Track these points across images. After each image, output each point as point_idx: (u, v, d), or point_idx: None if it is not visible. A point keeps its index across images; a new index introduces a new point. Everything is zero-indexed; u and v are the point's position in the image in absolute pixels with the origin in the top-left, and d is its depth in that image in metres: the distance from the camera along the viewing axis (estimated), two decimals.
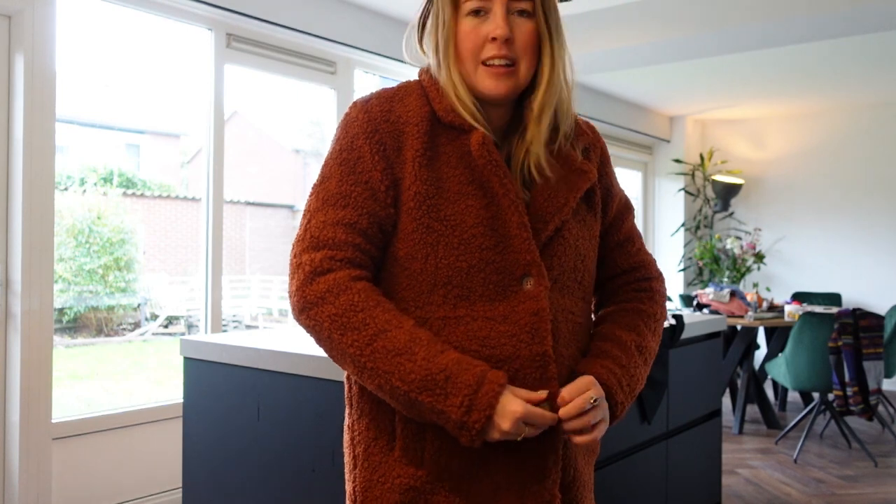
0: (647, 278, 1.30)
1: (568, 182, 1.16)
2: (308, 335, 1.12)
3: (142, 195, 12.58)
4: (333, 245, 1.09)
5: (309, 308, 1.08)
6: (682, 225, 7.28)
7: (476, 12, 1.12)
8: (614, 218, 1.28)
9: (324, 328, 1.07)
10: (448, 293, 1.09)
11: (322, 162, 1.18)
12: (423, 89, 1.17)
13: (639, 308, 1.25)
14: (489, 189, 1.10)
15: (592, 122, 1.33)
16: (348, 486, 1.19)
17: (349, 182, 1.11)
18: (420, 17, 1.20)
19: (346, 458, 1.20)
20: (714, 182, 7.11)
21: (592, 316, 1.27)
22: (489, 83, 1.12)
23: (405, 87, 1.18)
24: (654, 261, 1.34)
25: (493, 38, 1.10)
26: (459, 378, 1.02)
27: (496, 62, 1.11)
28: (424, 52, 1.19)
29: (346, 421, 1.21)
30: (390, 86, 1.21)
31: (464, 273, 1.08)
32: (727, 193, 7.10)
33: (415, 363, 1.02)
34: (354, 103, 1.17)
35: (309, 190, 1.17)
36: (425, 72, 1.19)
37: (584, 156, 1.22)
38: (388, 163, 1.11)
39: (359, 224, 1.10)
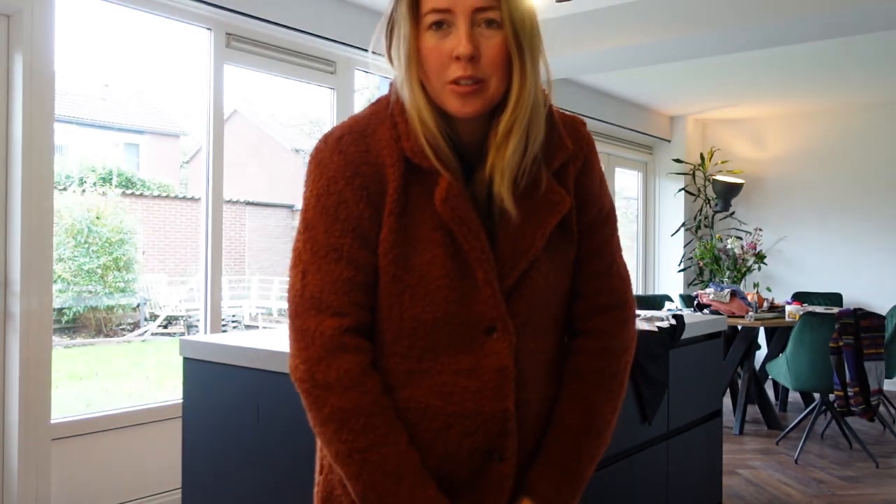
0: (605, 308, 1.17)
1: (536, 216, 1.07)
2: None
3: (141, 195, 12.59)
4: (338, 311, 1.04)
5: (314, 389, 1.05)
6: (683, 225, 7.28)
7: (438, 25, 1.02)
8: (585, 229, 1.16)
9: (322, 413, 1.04)
10: (412, 344, 1.06)
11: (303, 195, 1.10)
12: (393, 117, 1.08)
13: (593, 369, 1.15)
14: (456, 238, 1.05)
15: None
16: (315, 488, 1.18)
17: (336, 232, 1.05)
18: (387, 23, 1.09)
19: (316, 463, 1.19)
20: (714, 182, 7.11)
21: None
22: (455, 104, 1.03)
23: (375, 116, 1.10)
24: (624, 283, 1.19)
25: (458, 57, 1.01)
26: None
27: (462, 82, 1.02)
28: (392, 63, 1.09)
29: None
30: (359, 112, 1.13)
31: (428, 325, 1.05)
32: (728, 193, 7.09)
33: (399, 487, 1.02)
34: (325, 139, 1.10)
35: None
36: (395, 90, 1.09)
37: (558, 177, 1.11)
38: (374, 207, 1.05)
39: (356, 278, 1.05)
